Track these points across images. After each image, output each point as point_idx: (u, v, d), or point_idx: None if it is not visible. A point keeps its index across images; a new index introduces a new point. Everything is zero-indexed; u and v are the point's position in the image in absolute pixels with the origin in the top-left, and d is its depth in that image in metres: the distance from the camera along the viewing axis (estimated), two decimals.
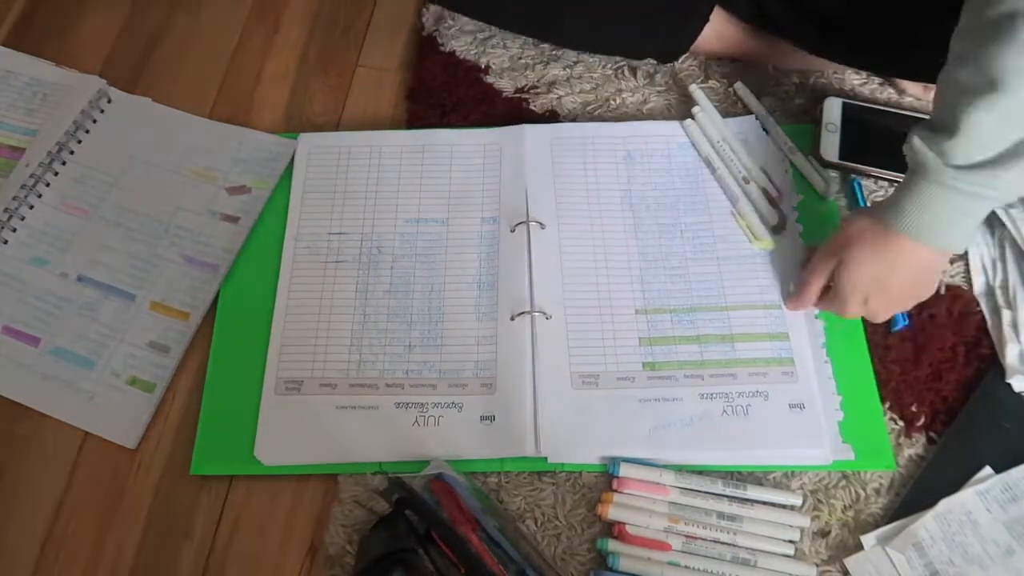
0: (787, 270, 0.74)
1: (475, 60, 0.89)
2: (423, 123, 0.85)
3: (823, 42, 0.79)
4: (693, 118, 0.81)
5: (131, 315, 0.75)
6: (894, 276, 0.65)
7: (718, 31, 0.81)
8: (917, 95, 0.84)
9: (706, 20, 0.80)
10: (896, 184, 0.78)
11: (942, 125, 0.58)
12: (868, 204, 0.78)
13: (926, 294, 0.68)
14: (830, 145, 0.80)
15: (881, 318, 0.69)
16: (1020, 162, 0.57)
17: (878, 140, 0.80)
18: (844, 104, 0.81)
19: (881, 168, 0.79)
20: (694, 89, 0.83)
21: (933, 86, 0.62)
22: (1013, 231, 0.75)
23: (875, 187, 0.79)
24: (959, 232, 0.62)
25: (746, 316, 0.72)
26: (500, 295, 0.74)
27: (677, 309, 0.73)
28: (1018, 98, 0.55)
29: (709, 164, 0.79)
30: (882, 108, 0.83)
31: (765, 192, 0.77)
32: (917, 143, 0.60)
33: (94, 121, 0.85)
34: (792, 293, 0.72)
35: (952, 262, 0.76)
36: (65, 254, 0.78)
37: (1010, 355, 0.70)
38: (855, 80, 0.86)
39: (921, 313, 0.73)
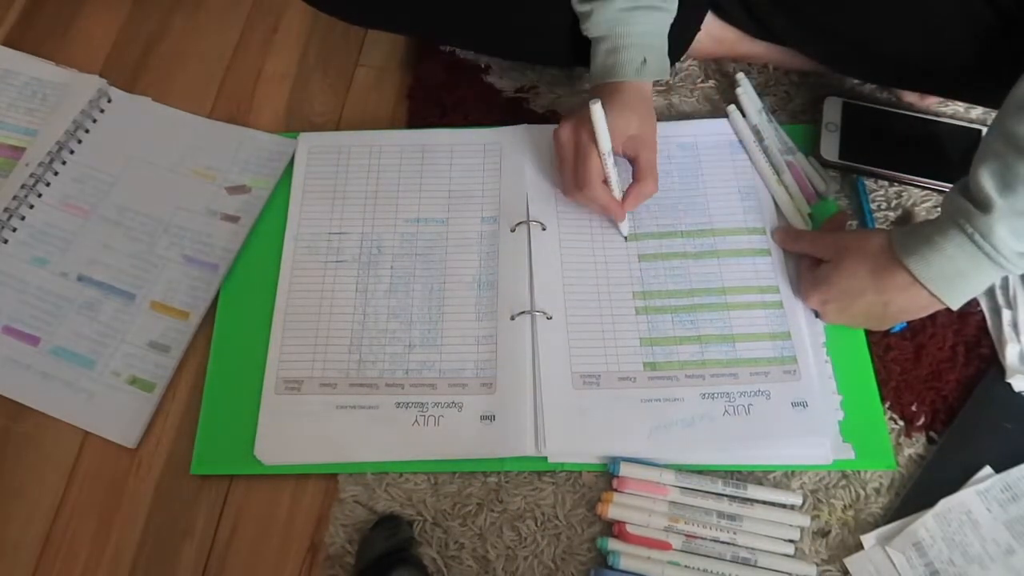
0: (788, 270, 0.74)
1: (475, 60, 0.89)
2: (423, 123, 0.85)
3: (823, 51, 0.80)
4: (736, 101, 0.82)
5: (131, 315, 0.75)
6: (870, 298, 0.66)
7: (715, 36, 0.81)
8: (912, 101, 0.84)
9: (698, 30, 0.80)
10: (895, 189, 0.78)
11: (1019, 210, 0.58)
12: (870, 202, 0.78)
13: (880, 327, 0.70)
14: (830, 145, 0.80)
15: (827, 321, 0.71)
16: None
17: (878, 140, 0.80)
18: (844, 104, 0.81)
19: (881, 168, 0.79)
20: (740, 77, 0.83)
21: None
22: None
23: (875, 187, 0.79)
24: (966, 293, 0.63)
25: (747, 316, 0.72)
26: (500, 295, 0.74)
27: (678, 309, 0.73)
28: None
29: (757, 133, 0.80)
30: (882, 108, 0.83)
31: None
32: (1002, 228, 0.58)
33: (94, 121, 0.85)
34: (788, 232, 0.75)
35: None
36: (65, 254, 0.78)
37: (1010, 355, 0.70)
38: (855, 80, 0.86)
39: None
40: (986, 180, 0.59)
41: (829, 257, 0.69)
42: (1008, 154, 0.57)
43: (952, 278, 0.62)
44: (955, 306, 0.64)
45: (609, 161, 0.70)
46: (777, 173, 0.78)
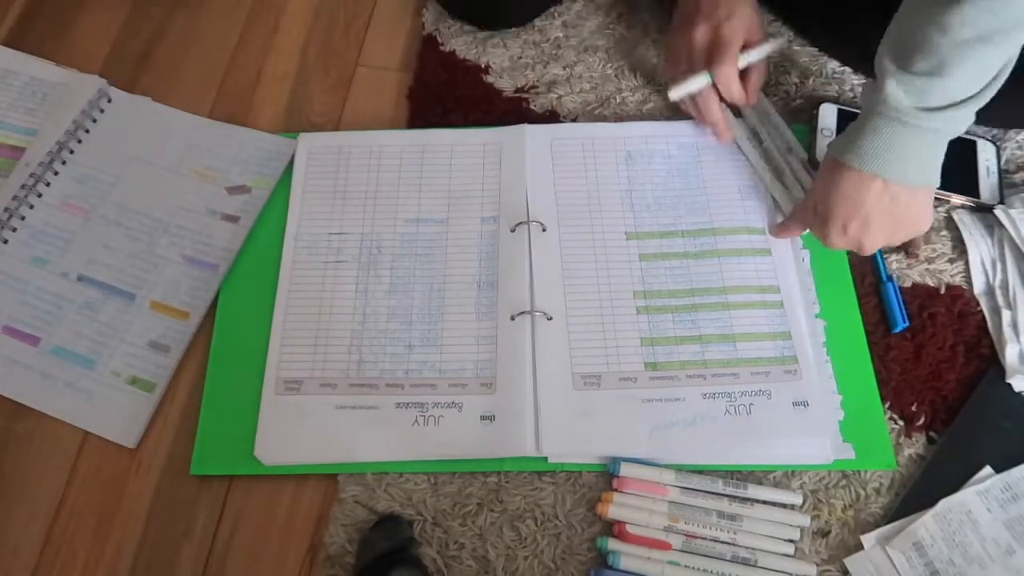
0: (789, 270, 0.74)
1: (475, 60, 0.89)
2: (423, 123, 0.85)
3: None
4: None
5: (131, 315, 0.75)
6: (868, 203, 0.66)
7: None
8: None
9: None
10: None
11: (926, 69, 0.60)
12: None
13: (914, 226, 0.68)
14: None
15: (867, 248, 0.69)
16: (977, 102, 0.62)
17: None
18: (839, 111, 0.81)
19: None
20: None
21: None
22: (1012, 231, 0.75)
23: None
24: (905, 163, 0.64)
25: (748, 315, 0.73)
26: (500, 295, 0.74)
27: (679, 309, 0.73)
28: (1001, 51, 0.59)
29: (756, 135, 0.80)
30: None
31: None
32: (893, 86, 0.62)
33: (94, 121, 0.85)
34: (780, 223, 0.76)
35: (952, 262, 0.76)
36: (65, 254, 0.78)
37: (1010, 355, 0.70)
38: (855, 80, 0.86)
39: (921, 313, 0.73)
40: (881, 57, 0.63)
41: (816, 195, 0.69)
42: (901, 37, 0.62)
43: (879, 152, 0.63)
44: (902, 178, 0.64)
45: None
46: (778, 175, 0.78)
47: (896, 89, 0.62)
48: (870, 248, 0.69)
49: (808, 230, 0.73)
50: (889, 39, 0.64)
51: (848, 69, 0.87)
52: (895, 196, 0.65)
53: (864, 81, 0.86)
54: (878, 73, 0.63)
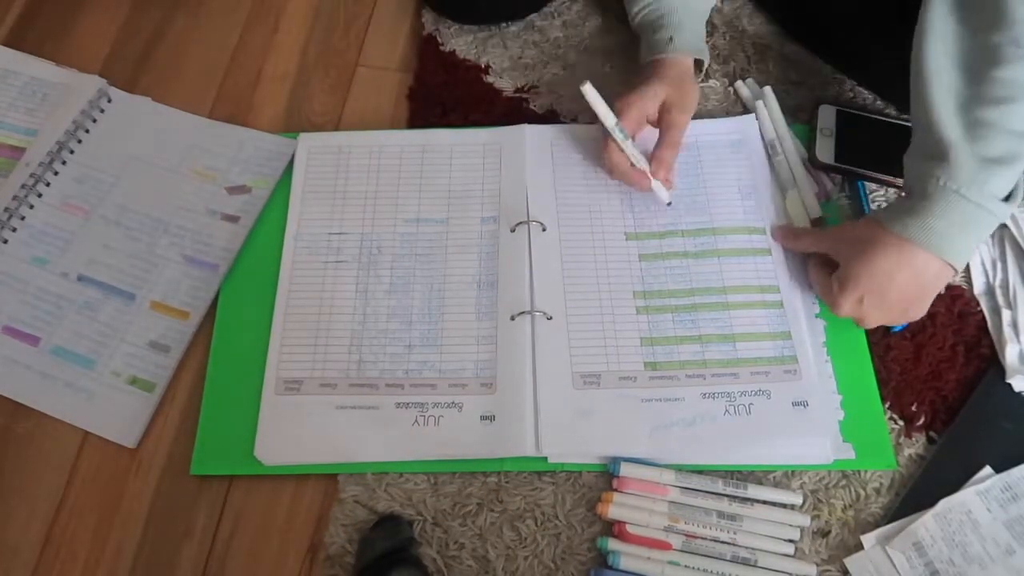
0: (789, 270, 0.74)
1: (475, 60, 0.89)
2: (423, 123, 0.85)
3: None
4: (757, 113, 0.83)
5: (131, 315, 0.75)
6: (896, 283, 0.65)
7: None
8: None
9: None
10: (895, 189, 0.79)
11: (995, 161, 0.61)
12: (871, 203, 0.78)
13: (920, 311, 0.68)
14: (826, 149, 0.80)
15: (870, 323, 0.69)
16: None
17: (872, 145, 0.80)
18: (838, 111, 0.82)
19: (875, 171, 0.79)
20: (740, 85, 0.85)
21: None
22: (1014, 230, 0.75)
23: (877, 187, 0.79)
24: (969, 248, 0.65)
25: (747, 315, 0.73)
26: (500, 295, 0.74)
27: (678, 309, 0.73)
28: None
29: (773, 147, 0.80)
30: (873, 116, 0.83)
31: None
32: (978, 172, 0.61)
33: (94, 121, 0.85)
34: (788, 231, 0.76)
35: None
36: (65, 254, 0.78)
37: (1010, 355, 0.70)
38: (854, 81, 0.86)
39: None
40: (949, 140, 0.62)
41: (841, 252, 0.68)
42: (968, 121, 0.63)
43: (950, 235, 0.63)
44: (960, 264, 0.65)
45: (619, 135, 0.72)
46: (796, 182, 0.78)
47: (982, 175, 0.61)
48: (870, 324, 0.69)
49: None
50: (948, 116, 0.63)
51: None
52: (926, 277, 0.65)
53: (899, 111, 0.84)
54: (947, 152, 0.62)
